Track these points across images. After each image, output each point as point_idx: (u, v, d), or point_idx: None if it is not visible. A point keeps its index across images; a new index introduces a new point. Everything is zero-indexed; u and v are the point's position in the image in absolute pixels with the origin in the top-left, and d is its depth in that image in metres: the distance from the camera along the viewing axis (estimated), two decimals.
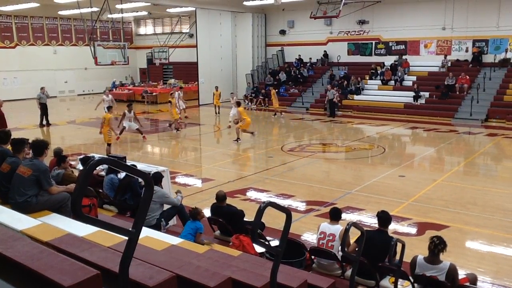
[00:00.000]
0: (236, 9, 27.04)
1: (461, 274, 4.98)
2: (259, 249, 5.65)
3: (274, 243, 5.77)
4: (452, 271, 4.57)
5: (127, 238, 2.37)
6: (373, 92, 23.70)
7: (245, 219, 6.62)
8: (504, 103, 20.19)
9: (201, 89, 27.16)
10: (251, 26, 28.62)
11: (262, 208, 3.12)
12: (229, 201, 6.92)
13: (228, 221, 6.43)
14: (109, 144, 13.67)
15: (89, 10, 22.32)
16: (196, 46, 26.78)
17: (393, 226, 7.13)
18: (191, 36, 31.10)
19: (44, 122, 19.58)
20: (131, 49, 31.92)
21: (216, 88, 23.54)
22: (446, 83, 21.66)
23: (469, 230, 8.07)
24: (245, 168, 13.24)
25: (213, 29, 27.20)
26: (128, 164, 5.50)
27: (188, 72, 31.30)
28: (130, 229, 2.36)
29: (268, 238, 6.12)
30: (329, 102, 22.07)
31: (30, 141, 5.99)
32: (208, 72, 27.14)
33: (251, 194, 10.15)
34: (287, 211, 3.38)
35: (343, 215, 6.61)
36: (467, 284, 4.81)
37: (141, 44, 36.91)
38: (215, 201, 6.71)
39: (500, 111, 19.77)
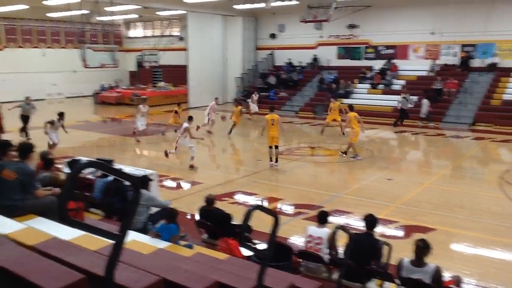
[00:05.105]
0: (227, 12, 27.06)
1: (447, 276, 5.03)
2: (246, 252, 5.66)
3: (262, 246, 5.78)
4: (437, 274, 4.62)
5: (113, 241, 2.37)
6: (363, 96, 23.84)
7: (233, 222, 6.61)
8: (491, 107, 20.47)
9: (190, 92, 27.15)
10: (241, 29, 28.69)
11: (250, 211, 3.14)
12: (217, 204, 6.92)
13: (216, 224, 6.43)
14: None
15: (78, 12, 22.20)
16: (186, 49, 26.76)
17: (380, 229, 7.18)
18: (181, 39, 31.07)
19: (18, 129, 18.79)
20: (120, 52, 31.74)
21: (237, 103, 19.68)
22: (434, 87, 21.85)
23: (456, 233, 8.16)
24: (234, 172, 13.24)
25: (203, 33, 27.19)
26: (116, 167, 5.47)
27: (178, 75, 31.20)
28: (116, 232, 2.36)
29: (255, 241, 6.13)
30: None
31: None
32: (198, 75, 27.11)
33: (239, 197, 10.15)
34: (275, 214, 3.40)
35: (331, 218, 6.65)
36: (452, 286, 4.87)
37: (131, 47, 36.74)
38: (203, 204, 6.71)
39: (487, 115, 20.01)
